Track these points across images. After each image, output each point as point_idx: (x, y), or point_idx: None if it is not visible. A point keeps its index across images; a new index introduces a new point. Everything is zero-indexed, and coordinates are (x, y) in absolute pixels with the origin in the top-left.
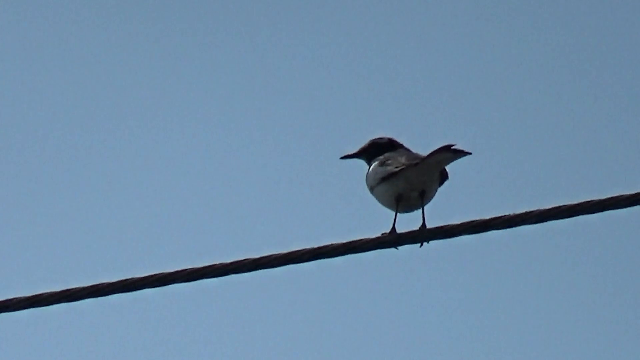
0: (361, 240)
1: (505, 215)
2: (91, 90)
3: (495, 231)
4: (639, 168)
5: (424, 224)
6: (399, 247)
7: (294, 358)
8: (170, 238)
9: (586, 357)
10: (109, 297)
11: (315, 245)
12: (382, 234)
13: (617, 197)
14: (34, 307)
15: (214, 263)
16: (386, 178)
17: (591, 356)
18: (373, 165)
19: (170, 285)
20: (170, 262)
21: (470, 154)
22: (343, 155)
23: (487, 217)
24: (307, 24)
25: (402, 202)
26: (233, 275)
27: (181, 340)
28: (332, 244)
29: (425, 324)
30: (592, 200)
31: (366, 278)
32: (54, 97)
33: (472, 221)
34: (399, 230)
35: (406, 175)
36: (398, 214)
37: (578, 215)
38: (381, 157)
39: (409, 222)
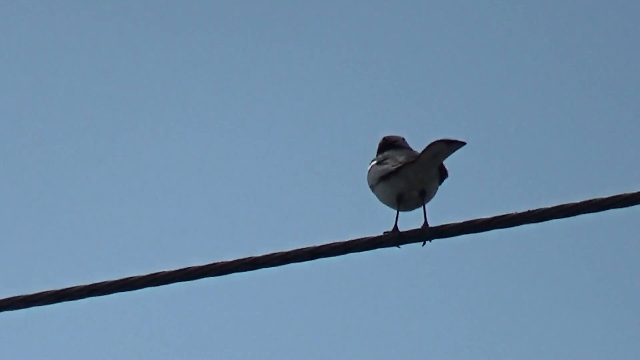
0: (363, 239)
1: (507, 214)
2: (91, 91)
3: (498, 230)
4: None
5: (425, 223)
6: (401, 246)
7: (294, 358)
8: (168, 237)
9: (588, 357)
10: (109, 296)
11: (317, 244)
12: (384, 233)
13: (617, 196)
14: (29, 306)
15: (214, 262)
16: (385, 177)
17: (593, 356)
18: (373, 163)
19: (168, 285)
20: (168, 261)
21: (464, 143)
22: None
23: (490, 216)
24: (309, 24)
25: (403, 201)
26: (232, 275)
27: (179, 340)
28: (333, 243)
29: (427, 323)
30: (593, 200)
31: (368, 277)
32: (54, 97)
33: (475, 220)
34: (400, 229)
35: (405, 173)
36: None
37: (580, 214)
38: (380, 155)
39: (410, 220)
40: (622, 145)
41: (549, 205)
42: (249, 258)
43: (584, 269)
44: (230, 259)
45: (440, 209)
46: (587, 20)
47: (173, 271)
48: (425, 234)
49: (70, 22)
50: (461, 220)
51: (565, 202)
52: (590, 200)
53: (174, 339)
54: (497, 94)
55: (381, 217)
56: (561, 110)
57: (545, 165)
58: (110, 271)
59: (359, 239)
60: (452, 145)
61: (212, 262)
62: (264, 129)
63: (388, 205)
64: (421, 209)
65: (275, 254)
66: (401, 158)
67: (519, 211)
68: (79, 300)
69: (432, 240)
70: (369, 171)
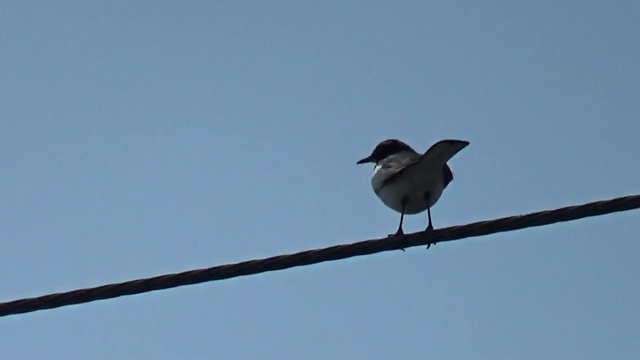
0: (368, 241)
1: (511, 217)
2: (90, 91)
3: (502, 232)
4: None
5: (430, 225)
6: (406, 249)
7: (301, 357)
8: (184, 238)
9: (588, 357)
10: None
11: (322, 247)
12: (389, 236)
13: (625, 197)
14: (19, 312)
15: (224, 264)
16: (390, 180)
17: (593, 356)
18: (377, 167)
19: (180, 287)
20: (183, 262)
21: (467, 143)
22: (359, 160)
23: (494, 219)
24: (313, 25)
25: (407, 204)
26: (231, 279)
27: (195, 340)
28: (338, 246)
29: (432, 325)
30: (599, 202)
31: (373, 279)
32: (54, 98)
33: (479, 222)
34: (405, 231)
35: (409, 175)
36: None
37: (587, 216)
38: (384, 159)
39: (415, 223)
40: (623, 148)
41: (554, 208)
42: (252, 261)
43: (589, 271)
44: (231, 263)
45: (445, 212)
46: (590, 19)
47: (184, 272)
48: (429, 236)
49: (70, 22)
50: (465, 223)
51: (571, 204)
52: (595, 203)
53: (190, 340)
54: (501, 97)
55: (385, 220)
56: (565, 114)
57: (549, 168)
58: (128, 273)
59: (363, 242)
60: (455, 145)
61: (222, 264)
62: (277, 133)
63: (393, 208)
64: (426, 211)
65: (278, 257)
66: (405, 160)
67: (523, 213)
68: (68, 306)
69: (437, 243)
70: (374, 175)
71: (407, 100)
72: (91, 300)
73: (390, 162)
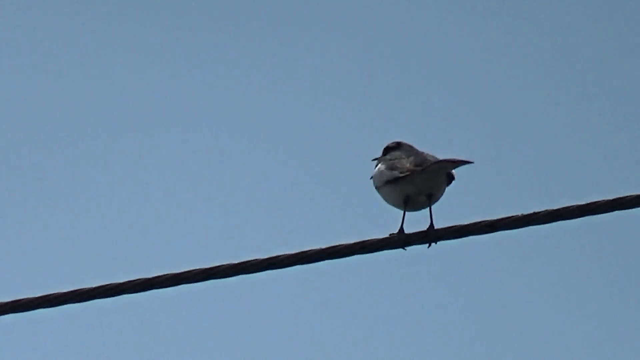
0: (369, 240)
1: (513, 216)
2: (90, 91)
3: (503, 231)
4: None
5: (432, 225)
6: (407, 248)
7: (302, 357)
8: (184, 237)
9: (599, 357)
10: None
11: (324, 246)
12: (390, 235)
13: (625, 197)
14: (18, 311)
15: (224, 263)
16: (392, 181)
17: (605, 356)
18: (379, 165)
19: (180, 286)
20: (183, 261)
21: (472, 162)
22: (374, 158)
23: (495, 218)
24: (316, 25)
25: (410, 203)
26: (233, 278)
27: (195, 339)
28: (340, 245)
29: (432, 325)
30: (600, 201)
31: (374, 278)
32: (53, 98)
33: (481, 221)
34: (406, 230)
35: (412, 180)
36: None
37: (586, 215)
38: (387, 156)
39: (416, 222)
40: (622, 148)
41: (555, 207)
42: (253, 260)
43: (588, 271)
44: (232, 262)
45: (446, 210)
46: (593, 19)
47: (185, 272)
48: (431, 235)
49: (70, 22)
50: (467, 222)
51: (571, 204)
52: (595, 202)
53: (191, 340)
54: (502, 98)
55: (386, 219)
56: (564, 114)
57: (549, 168)
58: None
59: (364, 241)
60: (459, 164)
61: (221, 263)
62: (275, 132)
63: (394, 206)
64: (427, 210)
65: (279, 256)
66: (409, 164)
67: (525, 212)
68: (65, 305)
69: (438, 242)
70: (375, 172)
71: (408, 100)
72: (91, 299)
73: (393, 161)
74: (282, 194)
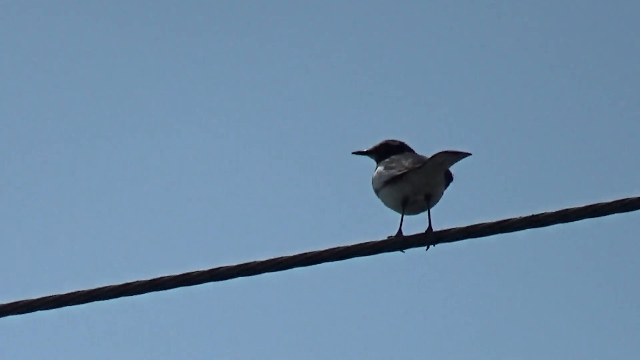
0: (367, 243)
1: (510, 219)
2: (91, 91)
3: (502, 234)
4: None
5: (430, 227)
6: (405, 251)
7: (302, 357)
8: (187, 239)
9: (602, 357)
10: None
11: (322, 248)
12: (389, 237)
13: (630, 198)
14: (20, 312)
15: (225, 265)
16: (391, 181)
17: (608, 356)
18: (378, 167)
19: (183, 287)
20: (186, 263)
21: (469, 154)
22: (355, 150)
23: (494, 220)
24: (314, 23)
25: (408, 205)
26: (234, 279)
27: (198, 340)
28: (338, 247)
29: (430, 327)
30: (597, 204)
31: (372, 281)
32: (53, 98)
33: (478, 224)
34: (404, 233)
35: (410, 178)
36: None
37: (590, 217)
38: (387, 159)
39: (414, 225)
40: (627, 148)
41: (552, 210)
42: (251, 262)
43: (592, 272)
44: (231, 264)
45: (444, 213)
46: (594, 19)
47: (185, 274)
48: (429, 238)
49: (70, 22)
50: (465, 225)
51: (570, 206)
52: (595, 205)
53: (178, 340)
54: (503, 97)
55: (385, 222)
56: (567, 114)
57: (548, 171)
58: (169, 268)
59: (363, 243)
60: (457, 156)
61: (224, 265)
62: (270, 132)
63: (393, 208)
64: (426, 213)
65: (278, 258)
66: (407, 163)
67: (524, 215)
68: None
69: (436, 245)
70: (374, 176)
71: (409, 100)
72: (94, 300)
73: (392, 163)
74: (281, 196)
